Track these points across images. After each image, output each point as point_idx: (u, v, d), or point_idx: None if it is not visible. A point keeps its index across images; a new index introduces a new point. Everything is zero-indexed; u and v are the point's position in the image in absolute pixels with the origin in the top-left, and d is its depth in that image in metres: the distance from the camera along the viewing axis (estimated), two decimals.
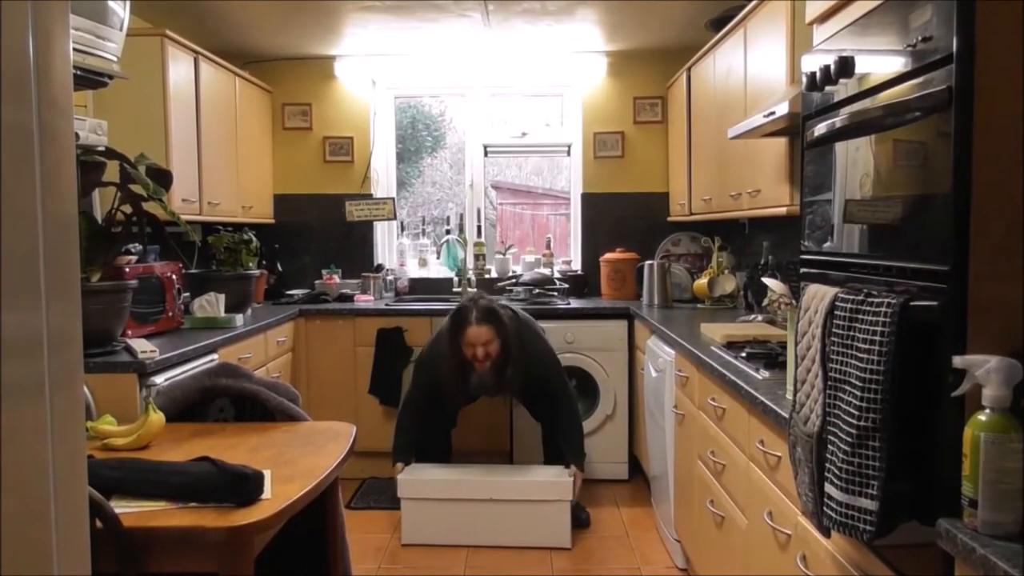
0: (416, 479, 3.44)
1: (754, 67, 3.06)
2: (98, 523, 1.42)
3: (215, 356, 3.08)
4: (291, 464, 1.83)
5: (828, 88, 1.62)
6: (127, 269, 2.83)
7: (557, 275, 4.72)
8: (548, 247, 4.91)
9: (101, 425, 2.05)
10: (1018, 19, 1.15)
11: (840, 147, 1.60)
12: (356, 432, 2.14)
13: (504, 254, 4.96)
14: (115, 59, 2.55)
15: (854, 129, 1.49)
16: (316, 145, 4.90)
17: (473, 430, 3.85)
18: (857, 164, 1.54)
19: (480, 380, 3.50)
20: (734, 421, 2.26)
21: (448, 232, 5.08)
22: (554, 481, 3.41)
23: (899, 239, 1.36)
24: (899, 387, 1.23)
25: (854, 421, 1.27)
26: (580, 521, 3.56)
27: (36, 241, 0.74)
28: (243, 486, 1.57)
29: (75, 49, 2.31)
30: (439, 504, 3.41)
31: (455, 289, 4.80)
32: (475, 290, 4.47)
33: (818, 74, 1.63)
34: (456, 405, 3.72)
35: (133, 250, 3.09)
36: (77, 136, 2.50)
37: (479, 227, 4.98)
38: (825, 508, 1.37)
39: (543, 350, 3.62)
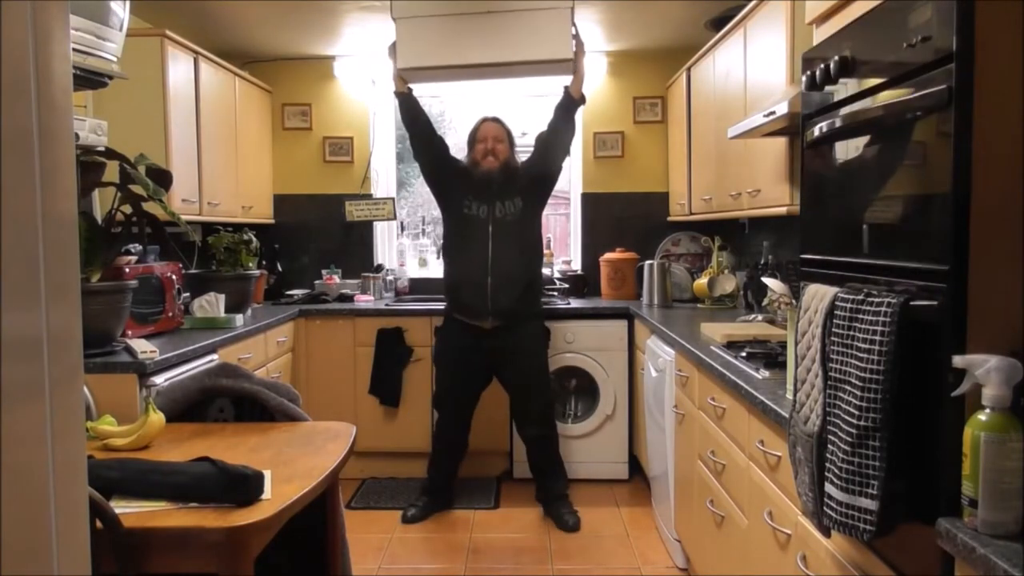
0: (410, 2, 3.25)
1: (754, 67, 3.06)
2: (98, 523, 1.42)
3: (215, 356, 3.08)
4: (291, 464, 1.83)
5: (828, 88, 1.62)
6: (127, 269, 2.83)
7: (557, 275, 4.72)
8: (548, 247, 4.91)
9: (101, 425, 2.05)
10: (1018, 19, 1.15)
11: (840, 147, 1.60)
12: (356, 432, 2.14)
13: None
14: (115, 59, 2.55)
15: (854, 129, 1.49)
16: (316, 145, 4.90)
17: (474, 429, 3.85)
18: (857, 164, 1.54)
19: (487, 174, 3.63)
20: (734, 421, 2.26)
21: None
22: None
23: (899, 239, 1.36)
24: (899, 387, 1.23)
25: (854, 421, 1.27)
26: (568, 525, 3.56)
27: (36, 241, 0.74)
28: (243, 486, 1.57)
29: (75, 49, 2.31)
30: (435, 21, 3.22)
31: None
32: None
33: (818, 74, 1.63)
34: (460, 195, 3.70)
35: (133, 250, 3.09)
36: (77, 136, 2.50)
37: None
38: (825, 508, 1.37)
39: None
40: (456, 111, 5.46)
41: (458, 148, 4.09)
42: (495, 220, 3.63)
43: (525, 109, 5.12)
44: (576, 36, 3.48)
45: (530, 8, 3.20)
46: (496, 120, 3.77)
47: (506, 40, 3.18)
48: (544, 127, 3.78)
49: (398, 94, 3.70)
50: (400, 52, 3.28)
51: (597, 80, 4.81)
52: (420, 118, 3.72)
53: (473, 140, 3.73)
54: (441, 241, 4.28)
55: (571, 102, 3.71)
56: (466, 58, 3.18)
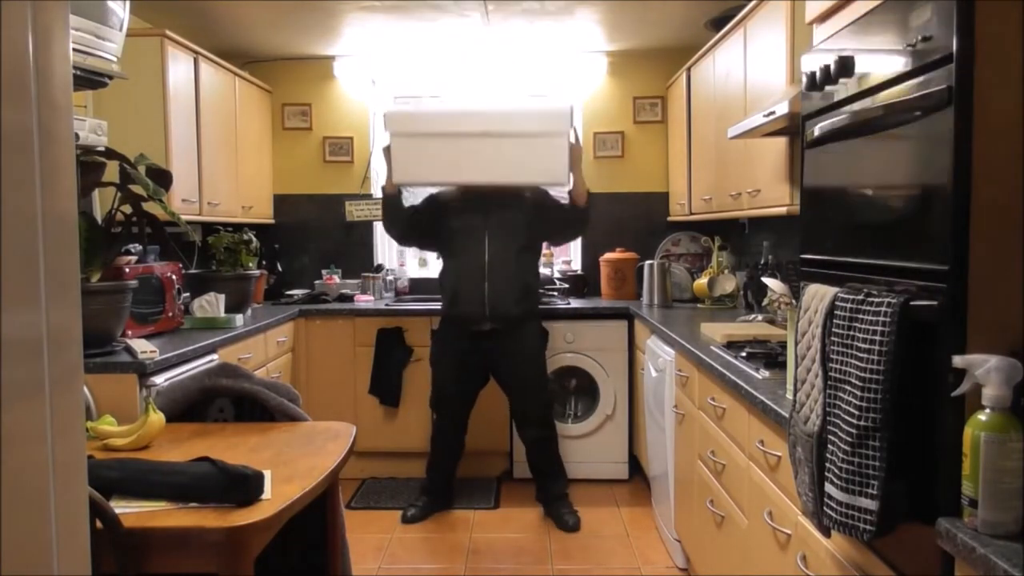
0: (405, 112, 3.30)
1: (754, 67, 3.06)
2: (98, 523, 1.42)
3: (215, 356, 3.08)
4: (291, 464, 1.83)
5: (828, 88, 1.62)
6: (127, 269, 2.83)
7: (557, 275, 4.72)
8: (548, 247, 4.91)
9: (101, 425, 2.05)
10: (1018, 19, 1.15)
11: (840, 147, 1.60)
12: (356, 432, 2.14)
13: None
14: (115, 59, 2.55)
15: (854, 129, 1.49)
16: (316, 145, 4.90)
17: (473, 430, 3.85)
18: (857, 164, 1.54)
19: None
20: (734, 421, 2.26)
21: None
22: (551, 111, 3.22)
23: (899, 239, 1.36)
24: (899, 387, 1.23)
25: (854, 421, 1.27)
26: (568, 525, 3.56)
27: (36, 241, 0.74)
28: (243, 486, 1.57)
29: (75, 49, 2.31)
30: (430, 140, 3.22)
31: None
32: None
33: (818, 74, 1.63)
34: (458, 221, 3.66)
35: (133, 250, 3.09)
36: (77, 136, 2.50)
37: None
38: (825, 508, 1.37)
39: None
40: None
41: None
42: (491, 226, 3.59)
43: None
44: (576, 140, 3.42)
45: (527, 134, 3.19)
46: None
47: (502, 163, 3.18)
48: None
49: (387, 195, 3.63)
50: (395, 167, 3.29)
51: (597, 80, 4.81)
52: (401, 216, 3.69)
53: None
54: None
55: (577, 213, 3.65)
56: (462, 178, 3.22)
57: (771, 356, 2.32)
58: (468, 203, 3.63)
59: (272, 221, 4.86)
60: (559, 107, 3.27)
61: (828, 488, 1.35)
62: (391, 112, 3.31)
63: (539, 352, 3.75)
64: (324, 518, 2.03)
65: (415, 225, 3.73)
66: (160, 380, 2.60)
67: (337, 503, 2.06)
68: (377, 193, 4.92)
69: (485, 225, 3.59)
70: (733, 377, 2.20)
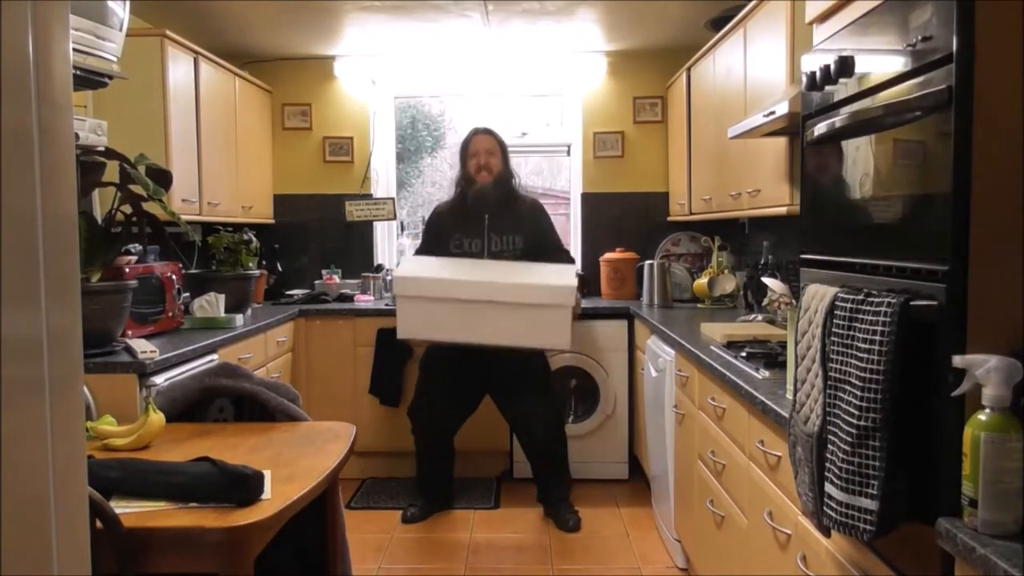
0: (413, 277, 3.33)
1: (754, 67, 3.06)
2: (98, 523, 1.42)
3: (215, 356, 3.08)
4: (291, 464, 1.83)
5: (828, 88, 1.62)
6: (127, 269, 2.83)
7: None
8: None
9: (101, 425, 2.05)
10: (1018, 19, 1.15)
11: (840, 147, 1.60)
12: (356, 432, 2.14)
13: None
14: (115, 59, 2.55)
15: (854, 129, 1.49)
16: (316, 145, 4.90)
17: (474, 430, 3.85)
18: (857, 164, 1.54)
19: (481, 191, 3.58)
20: (734, 421, 2.26)
21: None
22: (557, 285, 3.27)
23: (899, 239, 1.36)
24: (899, 387, 1.23)
25: (854, 421, 1.27)
26: (568, 525, 3.55)
27: (36, 241, 0.74)
28: (243, 486, 1.57)
29: (75, 49, 2.31)
30: (436, 303, 3.26)
31: None
32: None
33: (818, 74, 1.63)
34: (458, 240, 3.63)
35: (133, 250, 3.09)
36: (77, 136, 2.50)
37: None
38: (825, 508, 1.37)
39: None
40: (456, 111, 5.46)
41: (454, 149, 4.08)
42: (491, 254, 3.57)
43: (525, 109, 5.12)
44: (578, 301, 3.42)
45: (532, 304, 3.25)
46: (488, 132, 3.68)
47: (506, 327, 3.24)
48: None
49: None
50: (401, 323, 3.35)
51: (597, 80, 4.82)
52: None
53: (465, 154, 3.66)
54: None
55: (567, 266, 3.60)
56: (465, 337, 3.27)
57: (771, 356, 2.32)
58: (465, 222, 3.60)
59: (272, 221, 4.86)
60: (565, 283, 3.32)
61: (828, 488, 1.35)
62: (400, 276, 3.37)
63: (539, 360, 3.68)
64: (324, 518, 2.03)
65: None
66: (160, 380, 2.61)
67: (337, 503, 2.06)
68: (377, 193, 4.92)
69: (484, 252, 3.58)
70: (733, 377, 2.20)
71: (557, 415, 3.74)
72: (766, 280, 2.54)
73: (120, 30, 2.55)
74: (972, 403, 1.13)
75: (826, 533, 1.48)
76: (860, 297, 1.32)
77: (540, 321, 3.24)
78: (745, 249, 4.29)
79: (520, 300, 3.24)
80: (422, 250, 3.77)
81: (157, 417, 2.02)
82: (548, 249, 3.67)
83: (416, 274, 3.36)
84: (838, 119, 1.53)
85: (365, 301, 4.52)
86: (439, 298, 3.28)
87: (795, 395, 1.55)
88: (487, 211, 3.60)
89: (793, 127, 2.41)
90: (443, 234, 3.67)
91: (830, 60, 1.57)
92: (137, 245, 3.06)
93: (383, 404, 4.20)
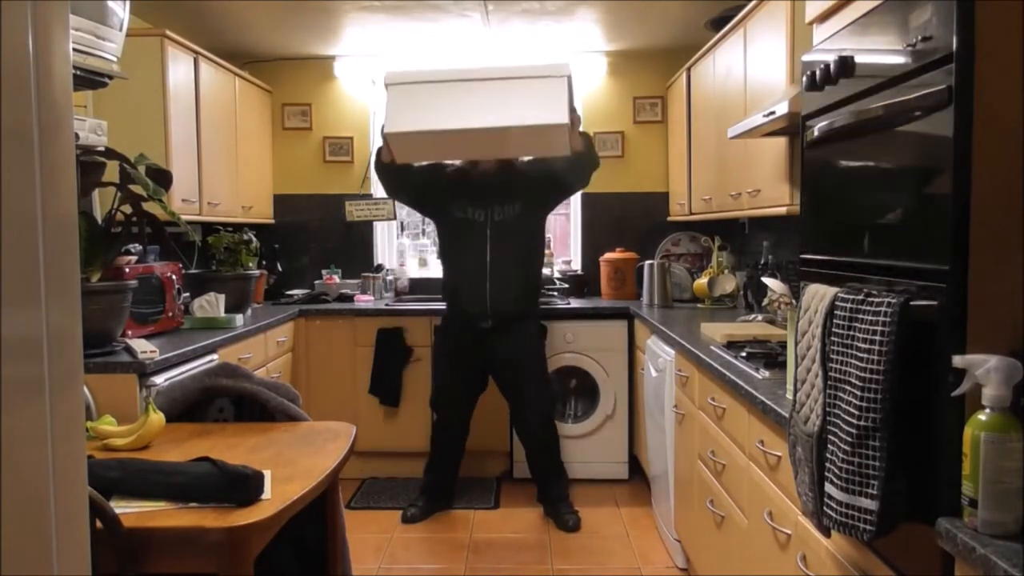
0: (404, 71, 3.27)
1: (754, 67, 3.06)
2: (98, 523, 1.42)
3: (215, 356, 3.08)
4: (291, 464, 1.83)
5: (828, 88, 1.62)
6: (127, 269, 2.83)
7: (557, 275, 4.72)
8: (548, 247, 4.91)
9: (101, 425, 2.05)
10: (1018, 19, 1.15)
11: (840, 147, 1.60)
12: (356, 432, 2.14)
13: None
14: (115, 59, 2.55)
15: (854, 129, 1.49)
16: (316, 145, 4.90)
17: (474, 430, 3.85)
18: (857, 164, 1.54)
19: (485, 174, 3.58)
20: (734, 421, 2.26)
21: None
22: (552, 62, 3.20)
23: (899, 239, 1.36)
24: (899, 387, 1.23)
25: (854, 421, 1.27)
26: (568, 525, 3.56)
27: (36, 241, 0.74)
28: (243, 486, 1.57)
29: (75, 49, 2.31)
30: (427, 87, 3.16)
31: None
32: None
33: (818, 74, 1.63)
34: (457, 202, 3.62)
35: (133, 250, 3.09)
36: (77, 136, 2.50)
37: None
38: (825, 508, 1.37)
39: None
40: None
41: None
42: (493, 224, 3.59)
43: None
44: (573, 110, 3.33)
45: (525, 76, 3.15)
46: None
47: (499, 105, 3.10)
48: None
49: (382, 166, 3.51)
50: (388, 117, 3.22)
51: (597, 80, 4.81)
52: (407, 183, 3.65)
53: None
54: (437, 243, 4.26)
55: (577, 159, 3.48)
56: (457, 123, 3.09)
57: (771, 356, 2.33)
58: (470, 191, 3.62)
59: (272, 221, 4.86)
60: (556, 62, 3.26)
61: (828, 488, 1.35)
62: (391, 71, 3.30)
63: (539, 352, 3.75)
64: (324, 518, 2.03)
65: (407, 178, 3.64)
66: (160, 380, 2.60)
67: (337, 503, 2.06)
68: (377, 193, 4.92)
69: (488, 223, 3.59)
70: (733, 377, 2.20)
71: (550, 407, 3.79)
72: (766, 280, 2.54)
73: (120, 30, 2.55)
74: (972, 403, 1.13)
75: (826, 533, 1.48)
76: (860, 297, 1.32)
77: (534, 94, 3.09)
78: (745, 249, 4.28)
79: (512, 72, 3.15)
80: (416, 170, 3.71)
81: (157, 417, 2.02)
82: (553, 161, 3.57)
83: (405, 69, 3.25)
84: (838, 119, 1.53)
85: (365, 301, 4.52)
86: (429, 80, 3.16)
87: (795, 395, 1.55)
88: (490, 193, 3.61)
89: (793, 127, 2.41)
90: (446, 200, 3.67)
91: (830, 60, 1.57)
92: (137, 245, 3.06)
93: (383, 404, 4.21)
